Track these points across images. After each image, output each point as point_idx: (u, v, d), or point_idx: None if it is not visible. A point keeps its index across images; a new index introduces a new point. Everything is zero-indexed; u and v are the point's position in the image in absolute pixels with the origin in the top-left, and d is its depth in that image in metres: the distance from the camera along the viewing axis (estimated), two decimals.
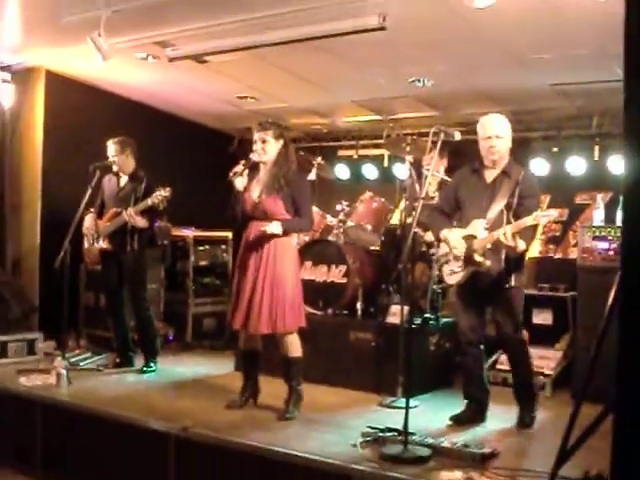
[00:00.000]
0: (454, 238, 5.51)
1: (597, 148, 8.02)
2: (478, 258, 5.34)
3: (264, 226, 5.58)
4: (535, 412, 5.66)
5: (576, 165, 8.02)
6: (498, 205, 5.38)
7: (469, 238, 5.42)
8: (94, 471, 5.62)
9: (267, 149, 5.67)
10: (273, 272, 5.63)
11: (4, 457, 6.14)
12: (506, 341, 5.69)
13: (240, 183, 5.68)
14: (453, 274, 5.59)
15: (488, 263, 5.32)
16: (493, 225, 5.32)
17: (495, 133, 5.47)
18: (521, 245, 5.16)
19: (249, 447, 4.92)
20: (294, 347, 5.77)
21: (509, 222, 5.30)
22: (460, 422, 5.63)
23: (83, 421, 5.79)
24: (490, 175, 5.56)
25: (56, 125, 8.50)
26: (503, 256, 5.35)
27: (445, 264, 5.64)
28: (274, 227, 5.56)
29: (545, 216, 5.09)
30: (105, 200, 7.35)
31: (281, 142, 5.73)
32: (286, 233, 5.65)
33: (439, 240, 5.72)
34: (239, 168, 5.66)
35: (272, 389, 6.03)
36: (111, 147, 7.24)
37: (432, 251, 7.02)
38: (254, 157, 5.69)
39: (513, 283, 5.46)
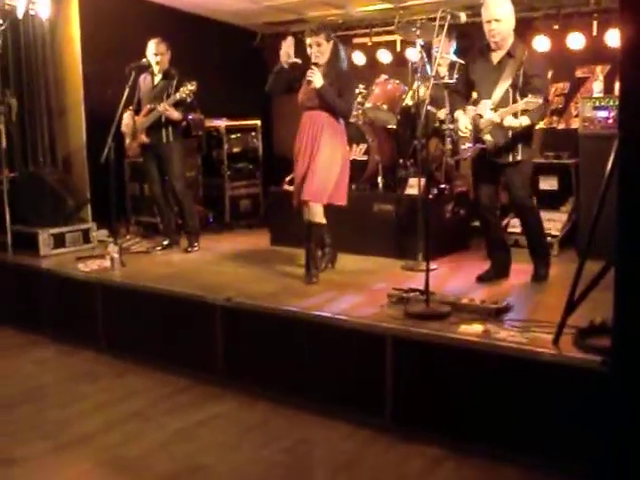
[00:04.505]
0: (464, 117, 5.49)
1: (595, 24, 7.81)
2: (483, 136, 5.36)
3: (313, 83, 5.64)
4: (549, 266, 5.71)
5: (576, 41, 7.83)
6: (503, 85, 5.32)
7: (477, 117, 5.40)
8: (150, 342, 5.74)
9: (322, 51, 5.73)
10: (313, 149, 5.73)
11: (70, 335, 6.28)
12: (517, 208, 5.73)
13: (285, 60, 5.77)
14: (466, 150, 5.62)
15: (492, 141, 5.33)
16: (499, 104, 5.30)
17: (494, 17, 5.28)
18: (524, 121, 5.19)
19: (285, 312, 4.99)
20: (314, 214, 5.79)
21: (515, 101, 5.27)
22: (486, 280, 5.69)
23: (137, 298, 5.90)
24: (496, 56, 5.44)
25: (91, 32, 8.29)
26: (510, 133, 5.32)
27: (461, 140, 5.64)
28: (317, 78, 5.62)
29: (532, 102, 5.01)
30: (141, 98, 7.28)
31: (332, 43, 5.78)
32: (324, 93, 5.65)
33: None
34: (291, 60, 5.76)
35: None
36: (155, 46, 7.09)
37: (444, 127, 6.97)
38: (314, 60, 5.72)
39: (520, 157, 5.41)
